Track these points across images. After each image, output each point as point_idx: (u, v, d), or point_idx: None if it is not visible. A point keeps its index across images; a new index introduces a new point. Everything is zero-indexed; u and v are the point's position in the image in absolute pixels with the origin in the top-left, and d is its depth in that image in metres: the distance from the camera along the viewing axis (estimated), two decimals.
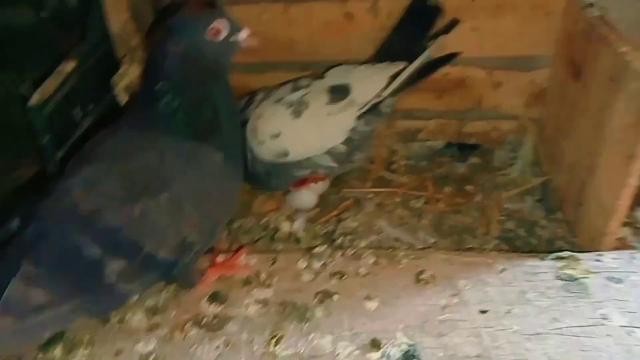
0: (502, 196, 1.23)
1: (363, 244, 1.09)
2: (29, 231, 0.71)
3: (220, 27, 0.76)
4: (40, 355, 0.77)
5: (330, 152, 1.14)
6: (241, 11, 1.24)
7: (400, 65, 1.15)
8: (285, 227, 1.10)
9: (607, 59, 0.95)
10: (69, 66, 1.02)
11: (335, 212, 1.21)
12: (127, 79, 0.88)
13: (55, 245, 0.69)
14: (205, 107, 0.79)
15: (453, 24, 1.21)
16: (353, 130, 1.13)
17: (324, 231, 1.13)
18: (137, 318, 0.83)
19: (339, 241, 1.09)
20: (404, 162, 1.38)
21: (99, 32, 1.15)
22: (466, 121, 1.38)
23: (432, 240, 1.12)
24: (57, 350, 0.78)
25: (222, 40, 0.77)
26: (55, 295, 0.68)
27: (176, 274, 0.81)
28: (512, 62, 1.28)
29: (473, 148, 1.41)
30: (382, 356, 0.75)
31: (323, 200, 1.23)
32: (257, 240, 1.09)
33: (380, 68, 1.17)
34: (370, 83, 1.15)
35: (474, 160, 1.38)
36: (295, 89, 1.13)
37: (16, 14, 1.31)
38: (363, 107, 1.14)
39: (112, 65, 1.19)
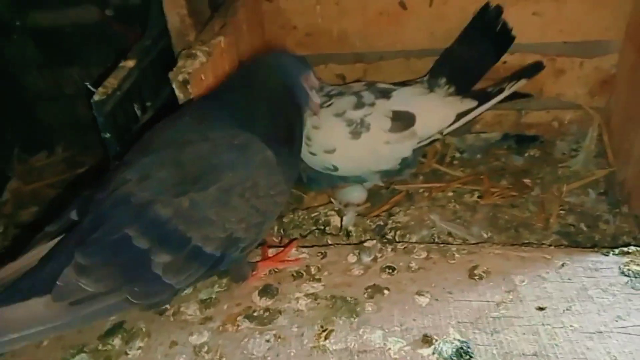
0: (563, 189, 1.18)
1: (414, 238, 1.07)
2: (85, 221, 0.75)
3: (314, 80, 0.85)
4: (100, 346, 0.80)
5: (380, 172, 1.15)
6: (297, 3, 1.27)
7: (470, 103, 1.13)
8: (335, 221, 1.10)
9: None
10: (130, 62, 1.06)
11: (386, 207, 1.19)
12: (184, 73, 0.90)
13: (107, 236, 0.72)
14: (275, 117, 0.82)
15: (537, 68, 1.19)
16: (408, 158, 1.14)
17: (375, 225, 1.12)
18: (190, 310, 0.85)
19: (389, 235, 1.08)
20: (458, 155, 1.35)
21: (158, 27, 1.20)
22: (525, 112, 1.33)
23: (487, 235, 1.10)
24: (117, 341, 0.81)
25: (306, 89, 0.84)
26: (105, 285, 0.71)
27: (226, 268, 0.82)
28: (577, 48, 1.22)
29: (532, 140, 1.35)
30: (434, 352, 0.73)
31: (374, 195, 1.23)
32: (307, 235, 1.10)
33: (449, 103, 1.14)
34: (436, 118, 1.13)
35: (533, 152, 1.33)
36: (358, 106, 1.11)
37: (83, 12, 1.40)
38: (423, 141, 1.13)
39: (170, 60, 1.23)
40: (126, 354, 0.78)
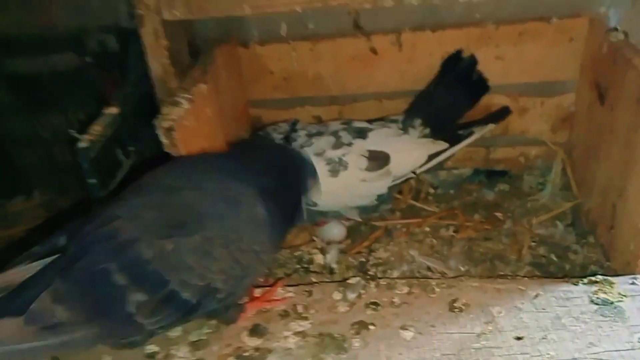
0: (533, 222, 1.24)
1: (395, 274, 1.11)
2: (71, 249, 0.76)
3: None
4: None
5: (357, 208, 1.21)
6: (273, 49, 1.32)
7: (441, 145, 1.21)
8: (318, 259, 1.13)
9: (633, 82, 0.97)
10: (113, 109, 1.09)
11: (366, 243, 1.23)
12: (168, 120, 0.93)
13: (87, 268, 0.73)
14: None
15: (504, 113, 1.27)
16: (383, 194, 1.19)
17: (357, 262, 1.15)
18: (181, 353, 0.85)
19: (372, 272, 1.11)
20: (432, 191, 1.40)
21: (137, 74, 1.23)
22: (493, 148, 1.40)
23: (464, 268, 1.14)
24: None
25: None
26: (77, 315, 0.71)
27: (204, 315, 0.83)
28: (538, 88, 1.30)
29: (501, 174, 1.42)
30: None
31: (353, 231, 1.26)
32: (291, 273, 1.12)
33: (422, 144, 1.21)
34: (409, 158, 1.20)
35: (502, 186, 1.39)
36: (337, 146, 1.16)
37: (61, 58, 1.42)
38: (397, 179, 1.20)
39: (149, 106, 1.26)
40: None
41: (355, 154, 1.15)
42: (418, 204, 1.34)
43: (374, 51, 1.30)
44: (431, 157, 1.21)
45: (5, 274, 0.78)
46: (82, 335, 0.72)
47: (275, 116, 1.42)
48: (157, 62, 1.05)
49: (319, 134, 1.19)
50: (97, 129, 1.05)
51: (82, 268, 0.73)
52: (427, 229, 1.26)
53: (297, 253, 1.14)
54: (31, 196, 1.65)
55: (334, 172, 1.13)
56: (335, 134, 1.18)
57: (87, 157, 1.02)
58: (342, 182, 1.13)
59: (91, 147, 1.02)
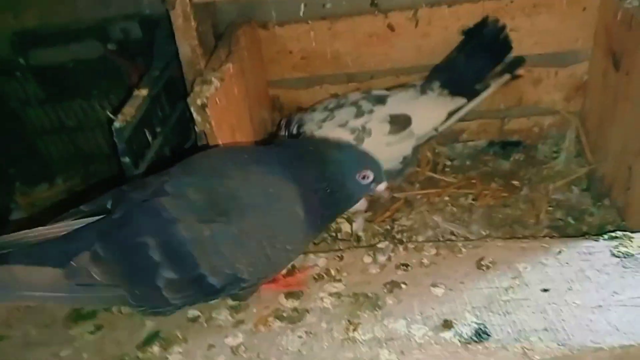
0: (550, 188, 1.28)
1: (420, 239, 1.15)
2: (116, 215, 0.80)
3: (370, 175, 0.85)
4: (140, 354, 0.85)
5: (385, 172, 1.23)
6: (291, 29, 1.36)
7: (459, 101, 1.24)
8: (345, 227, 1.17)
9: None
10: (143, 91, 1.13)
11: (388, 213, 1.27)
12: (202, 98, 0.97)
13: (128, 237, 0.78)
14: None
15: (518, 63, 1.28)
16: (408, 156, 1.23)
17: (382, 230, 1.20)
18: (222, 316, 0.90)
19: (398, 237, 1.15)
20: (449, 163, 1.44)
21: (164, 59, 1.27)
22: (508, 119, 1.44)
23: (485, 233, 1.18)
24: (155, 348, 0.85)
25: (364, 183, 0.86)
26: (111, 279, 0.77)
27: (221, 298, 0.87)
28: (551, 58, 1.34)
29: (516, 145, 1.46)
30: (455, 335, 0.80)
31: (374, 203, 1.30)
32: (319, 242, 1.16)
33: (441, 102, 1.24)
34: (429, 117, 1.24)
35: (517, 156, 1.43)
36: (358, 115, 1.21)
37: (85, 47, 1.46)
38: (421, 139, 1.24)
39: (174, 90, 1.31)
40: (166, 358, 0.83)
41: (377, 120, 1.20)
42: (436, 175, 1.38)
43: (391, 28, 1.34)
44: (450, 113, 1.24)
45: (51, 226, 0.83)
46: (112, 297, 0.79)
47: (294, 95, 1.46)
48: (187, 43, 1.09)
49: (340, 106, 1.24)
50: (129, 110, 1.09)
51: (124, 236, 0.78)
52: (447, 198, 1.31)
53: None
54: (54, 183, 1.70)
55: (359, 140, 1.17)
56: (355, 104, 1.23)
57: (122, 137, 1.06)
58: (368, 147, 1.16)
59: (125, 127, 1.06)
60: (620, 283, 0.85)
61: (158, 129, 1.27)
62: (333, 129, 1.19)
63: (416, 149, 1.27)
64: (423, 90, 1.27)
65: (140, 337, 0.87)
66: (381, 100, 1.23)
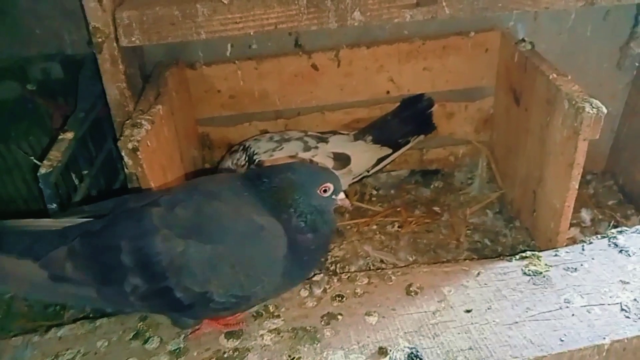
0: (467, 212, 1.39)
1: (353, 268, 1.21)
2: (107, 217, 0.83)
3: (330, 186, 0.86)
4: None
5: None
6: (219, 69, 1.39)
7: (387, 150, 1.38)
8: None
9: (541, 85, 1.13)
10: (69, 134, 1.11)
11: None
12: (133, 142, 0.97)
13: (105, 238, 0.81)
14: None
15: (433, 128, 1.46)
16: (345, 191, 1.29)
17: None
18: None
19: (332, 269, 1.20)
20: (375, 192, 1.52)
21: (89, 100, 1.26)
22: (426, 150, 1.54)
23: (412, 259, 1.26)
24: None
25: (325, 196, 0.86)
26: (82, 275, 0.80)
27: (177, 316, 0.89)
28: (461, 94, 1.46)
29: (434, 173, 1.57)
30: None
31: None
32: None
33: (372, 148, 1.37)
34: (364, 159, 1.35)
35: (437, 183, 1.54)
36: (306, 148, 1.29)
37: (3, 88, 1.40)
38: (355, 177, 1.34)
39: (99, 131, 1.29)
40: None
41: (322, 155, 1.28)
42: (364, 205, 1.45)
43: (315, 67, 1.40)
44: (379, 160, 1.37)
45: (53, 220, 0.89)
46: (82, 293, 0.81)
47: (223, 132, 1.48)
48: (114, 87, 1.08)
49: (286, 139, 1.31)
50: (55, 154, 1.07)
51: (103, 236, 0.82)
52: (375, 226, 1.38)
53: None
54: None
55: None
56: (301, 139, 1.31)
57: (48, 183, 1.03)
58: None
59: (52, 172, 1.04)
60: (531, 300, 0.94)
61: (85, 172, 1.24)
62: (285, 159, 1.26)
63: (350, 187, 1.38)
64: (356, 138, 1.37)
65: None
66: (323, 140, 1.33)
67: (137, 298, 0.80)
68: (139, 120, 1.04)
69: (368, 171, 1.36)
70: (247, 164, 1.28)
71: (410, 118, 1.42)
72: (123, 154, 0.99)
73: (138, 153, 0.99)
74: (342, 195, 0.89)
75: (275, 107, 1.46)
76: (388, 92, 1.45)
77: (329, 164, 1.27)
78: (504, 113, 1.39)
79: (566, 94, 1.04)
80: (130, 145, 0.98)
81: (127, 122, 1.03)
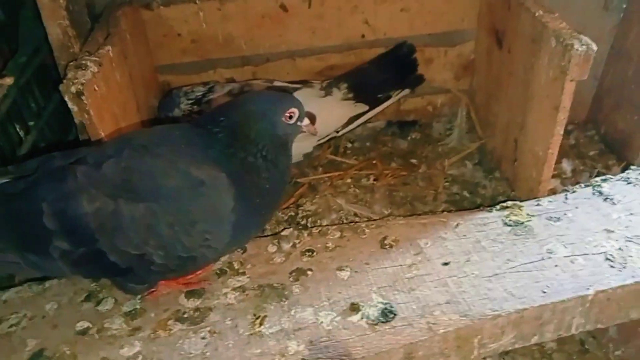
0: (445, 164, 1.32)
1: (325, 223, 1.14)
2: (28, 179, 0.75)
3: (295, 112, 0.79)
4: None
5: None
6: (178, 10, 1.27)
7: (362, 107, 1.27)
8: None
9: (526, 24, 1.05)
10: (7, 80, 1.00)
11: (292, 199, 1.25)
12: (77, 85, 0.87)
13: (25, 201, 0.73)
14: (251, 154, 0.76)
15: (420, 80, 1.35)
16: (309, 153, 1.25)
17: (286, 217, 1.17)
18: (116, 325, 0.83)
19: (302, 223, 1.13)
20: (349, 145, 1.44)
21: (32, 43, 1.13)
22: (403, 99, 1.46)
23: (388, 212, 1.19)
24: None
25: (291, 123, 0.79)
26: (5, 242, 0.74)
27: (121, 281, 0.81)
28: (440, 38, 1.37)
29: (412, 124, 1.49)
30: (362, 317, 0.80)
31: None
32: None
33: (344, 106, 1.25)
34: (332, 119, 1.24)
35: (414, 135, 1.46)
36: None
37: None
38: (322, 139, 1.24)
39: (49, 78, 1.18)
40: None
41: None
42: (338, 158, 1.38)
43: (284, 8, 1.29)
44: (352, 118, 1.27)
45: None
46: (6, 259, 0.75)
47: (186, 80, 1.37)
48: (55, 24, 0.97)
49: (245, 92, 1.18)
50: None
51: (21, 199, 0.73)
52: (349, 180, 1.30)
53: None
54: None
55: None
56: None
57: None
58: None
59: None
60: (512, 251, 0.89)
61: (31, 123, 1.13)
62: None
63: (316, 147, 1.28)
64: (328, 91, 1.26)
65: (21, 358, 0.78)
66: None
67: (66, 263, 0.73)
68: (84, 62, 0.93)
69: (337, 131, 1.27)
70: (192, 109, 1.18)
71: (389, 63, 1.32)
72: (66, 98, 0.89)
73: (83, 98, 0.89)
74: (306, 120, 0.82)
75: (242, 53, 1.35)
76: (363, 35, 1.35)
77: None
78: (485, 57, 1.31)
79: (553, 31, 0.96)
80: (73, 89, 0.88)
81: (71, 63, 0.93)
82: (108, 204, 0.71)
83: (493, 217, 0.97)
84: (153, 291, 0.86)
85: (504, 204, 0.99)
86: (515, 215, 0.96)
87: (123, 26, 1.13)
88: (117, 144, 0.77)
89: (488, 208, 1.00)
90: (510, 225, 0.94)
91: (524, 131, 1.11)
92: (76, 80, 0.89)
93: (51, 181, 0.74)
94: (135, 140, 0.78)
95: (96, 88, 0.93)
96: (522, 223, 0.94)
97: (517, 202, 1.00)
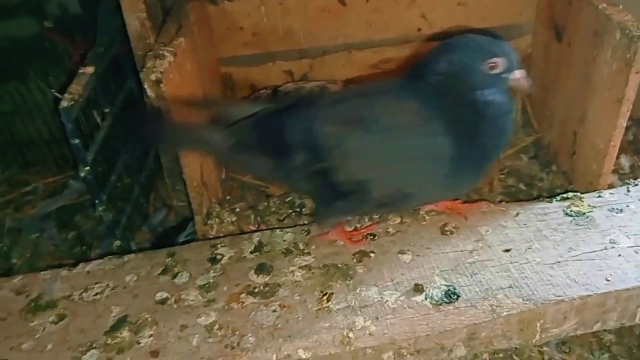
0: (500, 156, 1.33)
1: None
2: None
3: (499, 62, 0.76)
4: (109, 340, 0.82)
5: None
6: (241, 5, 1.32)
7: None
8: (310, 202, 1.17)
9: (588, 17, 1.05)
10: (89, 69, 1.07)
11: None
12: (156, 73, 0.93)
13: (280, 118, 0.88)
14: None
15: None
16: None
17: None
18: (192, 297, 0.88)
19: None
20: None
21: (108, 35, 1.21)
22: None
23: None
24: (125, 333, 0.82)
25: (494, 74, 0.77)
26: (260, 147, 0.89)
27: (324, 208, 0.93)
28: (497, 32, 1.37)
29: None
30: (426, 297, 0.82)
31: None
32: (284, 219, 1.15)
33: None
34: None
35: None
36: None
37: (19, 25, 1.36)
38: None
39: (121, 67, 1.25)
40: (138, 343, 0.81)
41: None
42: None
43: (342, 2, 1.33)
44: None
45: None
46: (259, 163, 0.90)
47: (246, 73, 1.43)
48: (134, 16, 1.03)
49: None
50: (76, 88, 1.03)
51: (277, 116, 0.89)
52: None
53: (288, 199, 1.17)
54: None
55: None
56: None
57: (70, 117, 0.99)
58: None
59: (73, 106, 1.00)
60: (574, 240, 0.90)
61: (106, 110, 1.20)
62: None
63: None
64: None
65: (107, 324, 0.84)
66: None
67: (299, 175, 0.86)
68: (161, 52, 0.99)
69: None
70: None
71: None
72: (145, 86, 0.95)
73: (161, 85, 0.95)
74: (519, 72, 0.78)
75: (300, 46, 1.40)
76: (419, 29, 1.37)
77: None
78: (543, 51, 1.31)
79: (618, 24, 0.96)
80: (153, 77, 0.95)
81: (150, 53, 0.99)
82: (342, 130, 0.81)
83: (554, 208, 0.98)
84: (326, 232, 0.95)
85: (564, 195, 1.00)
86: (577, 206, 0.97)
87: (192, 19, 1.19)
88: (345, 92, 0.96)
89: (548, 199, 1.01)
90: (571, 216, 0.95)
91: (584, 124, 1.11)
92: (155, 69, 0.95)
93: (297, 108, 0.88)
94: (359, 91, 0.93)
95: (172, 76, 0.99)
96: (584, 214, 0.95)
97: (578, 194, 1.00)
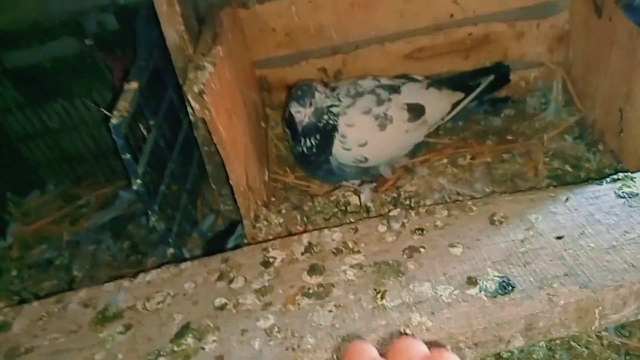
0: (543, 139, 1.31)
1: (428, 202, 1.17)
2: None
3: None
4: (175, 347, 0.85)
5: (396, 158, 1.31)
6: (272, 6, 1.34)
7: (459, 95, 1.32)
8: (354, 200, 1.18)
9: None
10: (133, 84, 1.10)
11: (390, 182, 1.29)
12: (199, 84, 0.95)
13: None
14: None
15: (504, 69, 1.40)
16: (420, 143, 1.32)
17: (390, 198, 1.21)
18: (249, 301, 0.90)
19: (407, 203, 1.17)
20: (441, 126, 1.45)
21: (147, 48, 1.24)
22: None
23: (489, 190, 1.20)
24: (189, 340, 0.85)
25: None
26: None
27: None
28: (532, 11, 1.35)
29: (505, 101, 1.48)
30: (481, 290, 0.82)
31: (377, 176, 1.31)
32: (329, 218, 1.17)
33: (446, 95, 1.31)
34: (438, 107, 1.30)
35: (508, 112, 1.45)
36: (379, 102, 1.23)
37: (61, 45, 1.41)
38: (431, 127, 1.30)
39: (160, 79, 1.28)
40: (202, 349, 0.84)
41: (396, 107, 1.23)
42: (431, 140, 1.40)
43: None
44: (454, 105, 1.31)
45: None
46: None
47: (281, 73, 1.45)
48: (173, 30, 1.06)
49: (359, 94, 1.25)
50: (123, 105, 1.07)
51: None
52: (445, 160, 1.32)
53: (332, 198, 1.19)
54: (46, 189, 1.66)
55: (382, 127, 1.21)
56: (373, 92, 1.25)
57: (120, 133, 1.04)
58: (390, 135, 1.22)
59: (122, 123, 1.04)
60: (629, 222, 0.88)
61: (151, 122, 1.24)
62: (359, 115, 1.22)
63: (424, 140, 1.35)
64: (427, 86, 1.31)
65: (171, 331, 0.88)
66: (396, 90, 1.26)
67: None
68: (201, 63, 1.02)
69: (443, 119, 1.31)
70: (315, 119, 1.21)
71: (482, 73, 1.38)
72: (189, 97, 0.97)
73: (204, 96, 0.97)
74: None
75: (332, 42, 1.40)
76: (452, 15, 1.36)
77: (404, 116, 1.23)
78: (582, 27, 1.27)
79: None
80: (196, 89, 0.97)
81: (190, 65, 1.01)
82: None
83: (604, 190, 0.96)
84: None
85: (615, 176, 0.98)
86: (628, 187, 0.94)
87: (226, 26, 1.21)
88: None
89: (597, 181, 0.99)
90: (623, 197, 0.93)
91: (630, 100, 1.08)
92: (197, 81, 0.97)
93: None
94: None
95: (213, 86, 1.01)
96: (637, 194, 0.92)
97: (629, 174, 0.97)
